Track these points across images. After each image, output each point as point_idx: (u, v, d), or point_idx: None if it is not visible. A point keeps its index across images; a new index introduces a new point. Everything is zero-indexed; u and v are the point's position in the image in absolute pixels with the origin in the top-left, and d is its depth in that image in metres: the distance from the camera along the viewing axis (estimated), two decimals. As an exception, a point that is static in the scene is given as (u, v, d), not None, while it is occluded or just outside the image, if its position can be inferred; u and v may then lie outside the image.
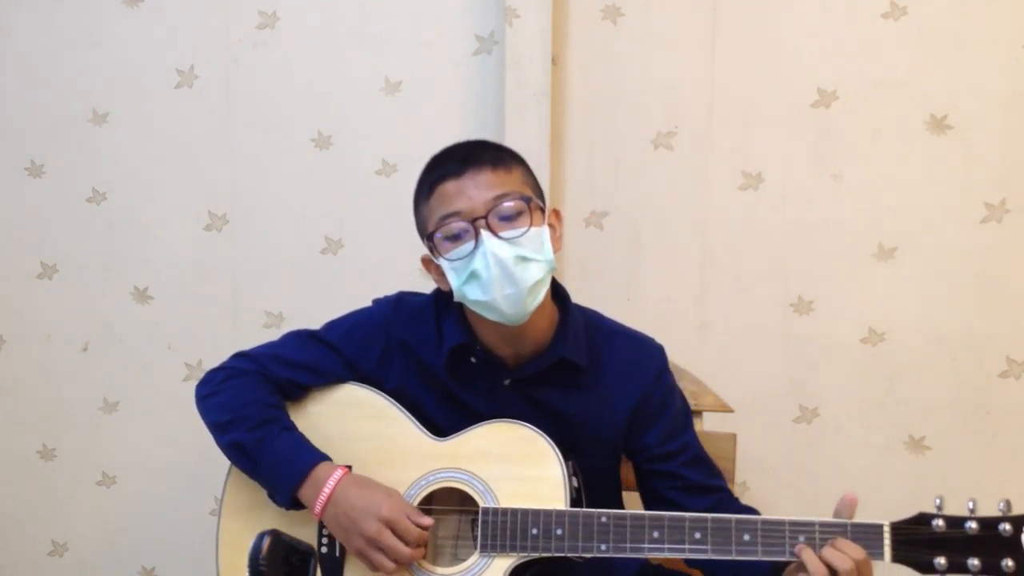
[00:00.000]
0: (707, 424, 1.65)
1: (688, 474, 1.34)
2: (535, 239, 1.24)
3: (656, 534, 1.18)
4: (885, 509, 2.00)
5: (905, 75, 1.89)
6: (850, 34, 1.89)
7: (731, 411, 1.66)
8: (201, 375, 2.06)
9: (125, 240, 2.08)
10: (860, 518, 1.99)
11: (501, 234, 1.21)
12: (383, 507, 1.22)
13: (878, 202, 1.92)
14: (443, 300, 1.37)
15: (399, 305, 1.40)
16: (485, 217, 1.22)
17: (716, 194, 1.96)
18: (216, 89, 2.02)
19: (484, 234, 1.21)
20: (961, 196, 1.90)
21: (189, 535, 2.15)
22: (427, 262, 1.33)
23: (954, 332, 1.93)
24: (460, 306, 1.33)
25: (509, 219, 1.23)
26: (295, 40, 1.99)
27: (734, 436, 1.62)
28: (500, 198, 1.23)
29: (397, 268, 2.02)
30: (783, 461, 2.00)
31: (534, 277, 1.23)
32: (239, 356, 1.40)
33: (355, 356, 1.37)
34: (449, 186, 1.24)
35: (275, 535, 1.21)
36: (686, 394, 1.46)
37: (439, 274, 1.30)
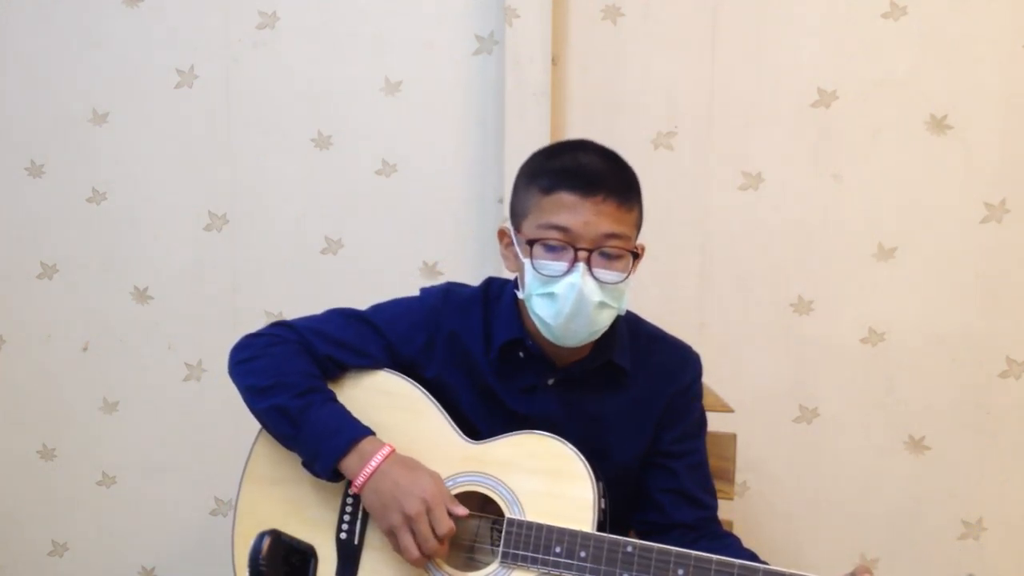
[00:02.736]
0: (707, 424, 1.65)
1: (684, 477, 1.34)
2: (622, 288, 1.24)
3: (681, 572, 1.16)
4: (885, 509, 2.01)
5: (905, 75, 1.89)
6: (850, 34, 1.89)
7: (731, 411, 1.66)
8: (201, 375, 2.09)
9: (125, 240, 2.08)
10: (861, 522, 2.00)
11: (597, 273, 1.21)
12: (428, 489, 1.21)
13: (878, 202, 1.92)
14: (491, 293, 1.37)
15: (448, 296, 1.39)
16: (590, 251, 1.20)
17: (716, 194, 1.96)
18: (216, 89, 2.02)
19: (581, 266, 1.20)
20: (961, 196, 1.90)
21: (189, 535, 2.15)
22: (503, 234, 1.31)
23: (954, 332, 1.93)
24: (514, 299, 1.32)
25: (610, 259, 1.22)
26: (295, 40, 1.99)
27: (734, 436, 1.62)
28: (612, 238, 1.21)
29: (397, 268, 2.02)
30: (783, 461, 2.00)
31: (603, 322, 1.24)
32: (280, 325, 1.38)
33: (398, 340, 1.36)
34: (571, 199, 1.21)
35: (275, 535, 1.21)
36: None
37: (509, 249, 1.29)
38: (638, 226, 1.29)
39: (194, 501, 2.14)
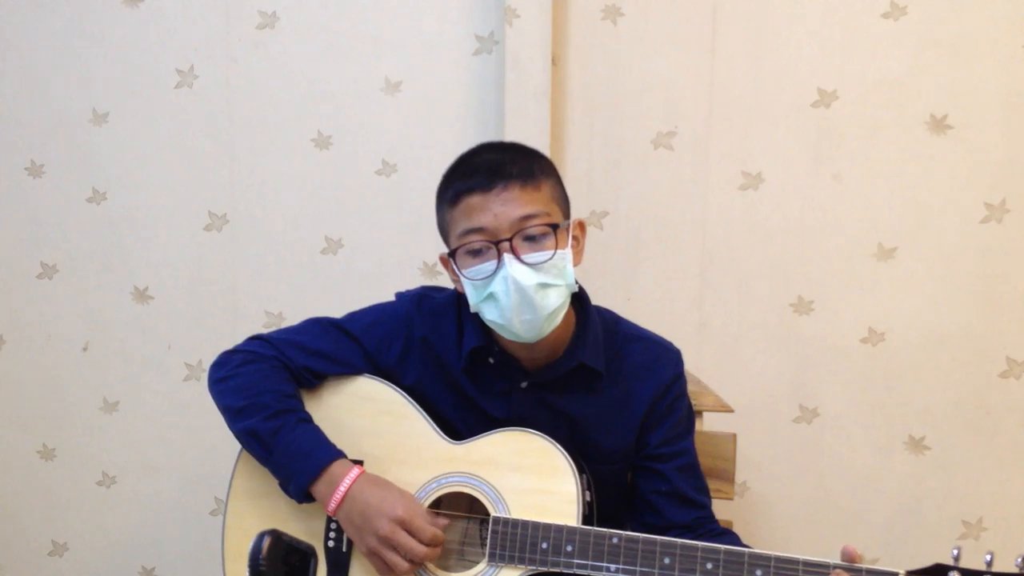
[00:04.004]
0: (707, 424, 1.65)
1: (676, 480, 1.34)
2: (559, 264, 1.22)
3: (667, 560, 1.17)
4: (885, 509, 2.01)
5: (905, 75, 1.89)
6: (850, 34, 1.89)
7: (731, 411, 1.66)
8: (201, 375, 2.09)
9: (125, 240, 2.08)
10: (861, 522, 2.00)
11: (524, 257, 1.20)
12: (397, 507, 1.22)
13: (878, 202, 1.92)
14: (465, 299, 1.36)
15: (422, 301, 1.39)
16: (510, 239, 1.20)
17: (716, 194, 1.96)
18: (216, 89, 2.02)
19: (507, 257, 1.19)
20: (961, 196, 1.90)
21: (189, 535, 2.15)
22: (445, 261, 1.31)
23: (954, 332, 1.93)
24: None
25: (534, 240, 1.21)
26: (295, 40, 1.99)
27: (734, 436, 1.62)
28: (527, 219, 1.20)
29: (397, 268, 2.02)
30: (783, 461, 2.00)
31: (554, 304, 1.22)
32: (257, 339, 1.39)
33: (375, 349, 1.36)
34: (475, 200, 1.21)
35: (275, 535, 1.21)
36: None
37: (456, 275, 1.28)
38: (557, 200, 1.27)
39: (194, 501, 2.14)
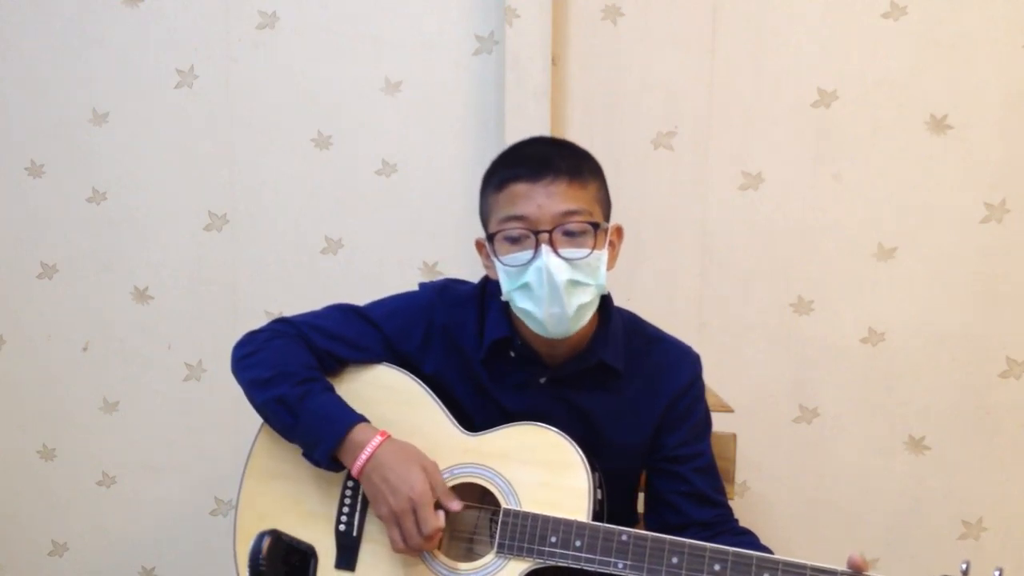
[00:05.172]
0: (707, 424, 1.65)
1: (695, 480, 1.34)
2: (593, 263, 1.23)
3: (675, 560, 1.17)
4: (885, 509, 2.01)
5: (905, 75, 1.89)
6: (850, 34, 1.89)
7: (731, 411, 1.66)
8: (201, 375, 2.09)
9: (125, 240, 2.08)
10: (861, 522, 2.00)
11: (562, 251, 1.21)
12: (416, 486, 1.22)
13: (878, 202, 1.92)
14: (488, 291, 1.37)
15: (444, 292, 1.40)
16: (550, 231, 1.20)
17: (716, 194, 1.96)
18: (216, 89, 2.02)
19: (544, 248, 1.20)
20: (961, 196, 1.90)
21: (189, 535, 2.15)
22: (480, 246, 1.32)
23: (954, 332, 1.93)
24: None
25: (573, 236, 1.22)
26: (295, 40, 1.99)
27: (734, 436, 1.62)
28: (569, 215, 1.21)
29: (397, 268, 2.02)
30: (783, 461, 2.00)
31: (582, 301, 1.23)
32: (280, 321, 1.40)
33: (396, 336, 1.37)
34: (521, 187, 1.22)
35: (275, 535, 1.22)
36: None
37: (487, 259, 1.30)
38: (600, 201, 1.28)
39: (194, 501, 2.14)
